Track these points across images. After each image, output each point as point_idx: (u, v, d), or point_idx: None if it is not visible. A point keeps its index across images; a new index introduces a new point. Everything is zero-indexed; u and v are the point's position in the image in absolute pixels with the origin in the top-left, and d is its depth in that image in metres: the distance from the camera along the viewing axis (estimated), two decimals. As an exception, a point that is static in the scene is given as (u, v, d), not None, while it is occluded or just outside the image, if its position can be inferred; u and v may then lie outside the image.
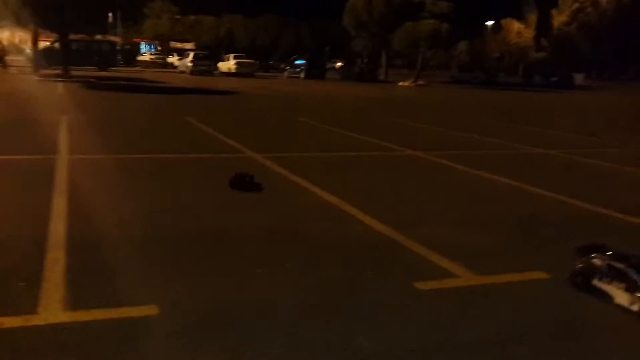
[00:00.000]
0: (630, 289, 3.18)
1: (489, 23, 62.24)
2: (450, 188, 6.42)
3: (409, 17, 38.70)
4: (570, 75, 42.22)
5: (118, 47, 48.15)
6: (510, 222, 5.07)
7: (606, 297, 3.27)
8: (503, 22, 75.24)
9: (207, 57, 40.24)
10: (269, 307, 3.12)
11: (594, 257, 3.45)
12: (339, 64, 48.95)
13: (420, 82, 38.11)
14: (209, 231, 4.39)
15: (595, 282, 3.35)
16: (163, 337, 2.76)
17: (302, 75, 41.00)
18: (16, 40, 60.29)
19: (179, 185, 5.92)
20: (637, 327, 3.07)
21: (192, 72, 37.53)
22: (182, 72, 39.31)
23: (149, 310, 3.00)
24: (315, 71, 41.27)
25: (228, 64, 40.00)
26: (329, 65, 51.08)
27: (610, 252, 3.47)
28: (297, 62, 43.44)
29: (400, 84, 37.37)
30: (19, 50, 51.91)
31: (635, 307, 3.11)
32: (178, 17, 72.15)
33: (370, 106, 18.67)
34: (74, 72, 26.58)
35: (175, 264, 3.68)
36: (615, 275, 3.28)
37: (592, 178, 7.38)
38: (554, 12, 72.40)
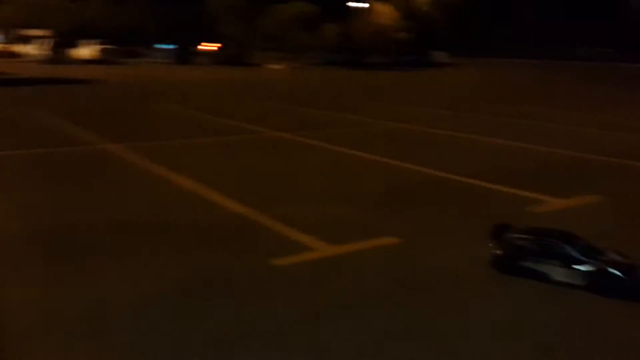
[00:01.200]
0: (566, 263, 3.19)
1: (354, 5, 63.65)
2: (312, 166, 6.58)
3: (277, 0, 38.69)
4: (428, 53, 44.64)
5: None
6: (366, 194, 5.31)
7: (541, 276, 3.25)
8: (369, 3, 77.79)
9: (62, 44, 37.49)
10: (116, 300, 3.04)
11: (515, 238, 3.40)
12: (210, 48, 47.80)
13: (291, 65, 38.38)
14: (65, 226, 4.15)
15: (525, 263, 3.31)
16: None
17: (170, 60, 39.60)
18: None
19: (29, 182, 5.52)
20: (481, 282, 3.39)
21: (47, 60, 34.81)
22: (36, 61, 36.34)
23: None
24: (185, 56, 40.04)
25: (88, 51, 37.58)
26: (198, 50, 49.62)
27: (525, 230, 3.46)
28: (166, 47, 41.84)
29: (271, 66, 37.39)
30: None
31: (577, 281, 3.13)
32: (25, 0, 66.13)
33: (238, 90, 18.49)
34: None
35: (32, 260, 3.45)
36: (545, 253, 3.27)
37: (443, 148, 7.90)
38: (416, -8, 75.97)
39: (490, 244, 3.50)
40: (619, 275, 3.04)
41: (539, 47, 41.66)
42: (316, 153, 7.35)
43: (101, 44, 39.87)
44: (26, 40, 47.56)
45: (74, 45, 40.72)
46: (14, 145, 7.44)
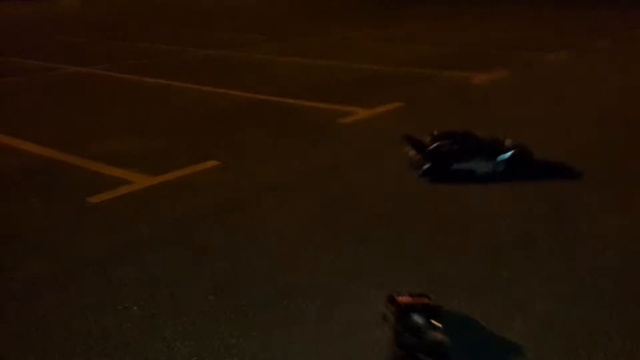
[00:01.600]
0: (490, 156, 3.50)
1: None
2: (123, 99, 6.25)
3: None
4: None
5: None
6: (183, 122, 5.21)
7: (468, 175, 3.50)
8: None
9: None
10: None
11: (439, 147, 3.54)
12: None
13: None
14: None
15: (454, 166, 3.52)
16: None
17: None
18: None
19: None
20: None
21: None
22: None
23: None
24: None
25: None
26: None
27: (442, 135, 3.60)
28: None
29: None
30: None
31: (499, 168, 3.49)
32: None
33: (28, 25, 16.47)
34: None
35: None
36: (470, 152, 3.52)
37: (254, 71, 7.91)
38: None
39: (413, 156, 3.60)
40: (526, 155, 3.57)
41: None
42: (126, 86, 6.96)
43: None
44: None
45: None
46: None
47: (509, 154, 3.53)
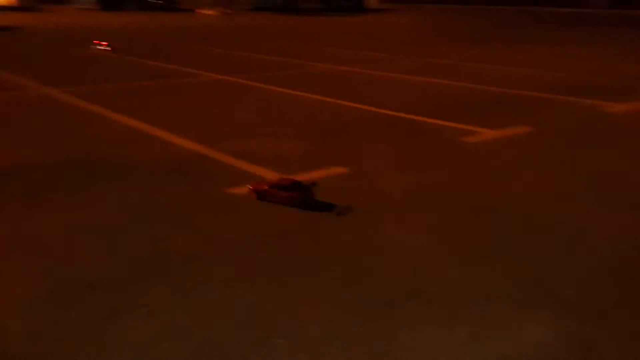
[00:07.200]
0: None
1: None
2: (255, 105, 6.68)
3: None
4: (362, -2, 44.60)
5: None
6: (312, 129, 5.49)
7: None
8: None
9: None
10: (74, 229, 3.13)
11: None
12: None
13: (223, 10, 37.32)
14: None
15: None
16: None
17: (96, 6, 37.52)
18: None
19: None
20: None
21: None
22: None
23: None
24: (111, 1, 38.00)
25: (3, -3, 34.95)
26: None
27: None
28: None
29: (203, 12, 36.21)
30: None
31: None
32: None
33: (172, 35, 17.96)
34: None
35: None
36: None
37: (382, 87, 8.12)
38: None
39: None
40: None
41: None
42: (259, 94, 7.42)
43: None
44: None
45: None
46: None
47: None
